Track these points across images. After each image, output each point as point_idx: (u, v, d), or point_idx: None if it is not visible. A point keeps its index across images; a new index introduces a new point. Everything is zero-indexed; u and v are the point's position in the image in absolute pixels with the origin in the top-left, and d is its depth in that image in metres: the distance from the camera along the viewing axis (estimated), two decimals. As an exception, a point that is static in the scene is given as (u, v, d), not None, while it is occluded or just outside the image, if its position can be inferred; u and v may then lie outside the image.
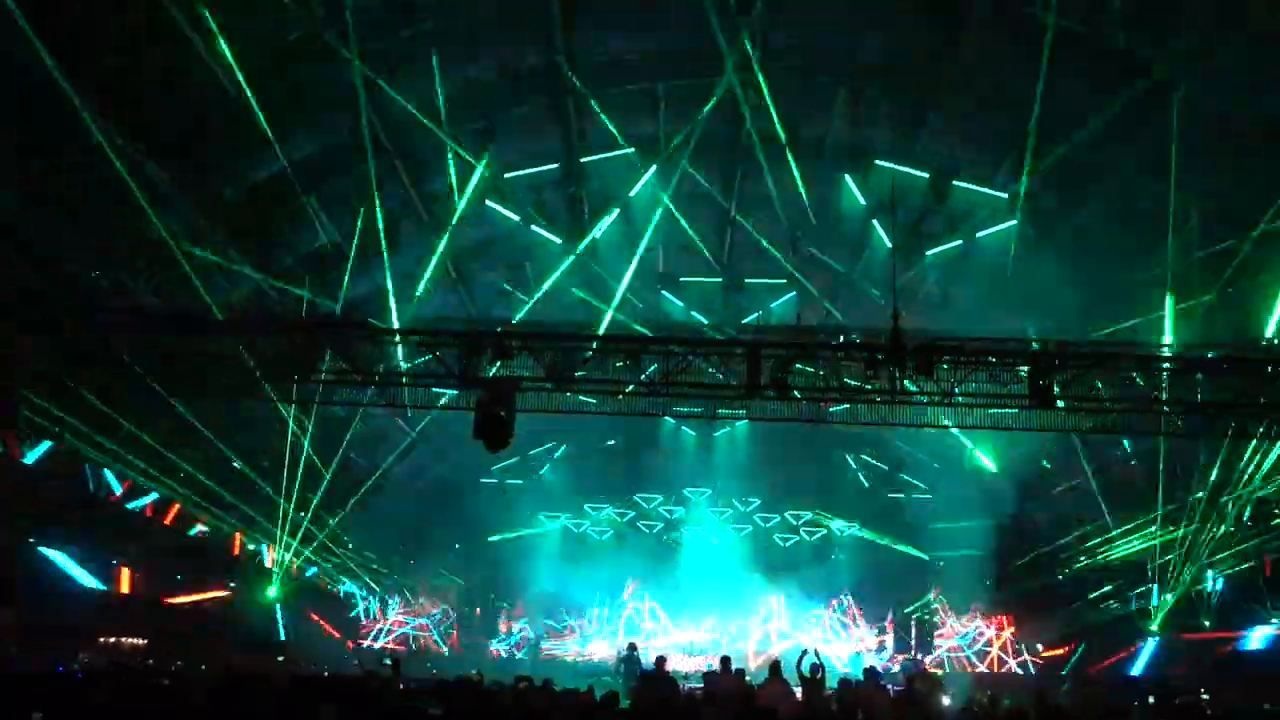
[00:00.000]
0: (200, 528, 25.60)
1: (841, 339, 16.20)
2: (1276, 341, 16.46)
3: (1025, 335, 18.68)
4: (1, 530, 19.64)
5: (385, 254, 20.41)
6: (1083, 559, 27.46)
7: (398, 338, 17.21)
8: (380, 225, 20.21)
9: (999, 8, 16.79)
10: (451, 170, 20.44)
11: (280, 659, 24.94)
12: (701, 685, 16.88)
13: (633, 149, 20.96)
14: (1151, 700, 20.75)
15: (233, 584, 27.23)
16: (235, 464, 22.95)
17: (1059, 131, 18.15)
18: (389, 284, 20.77)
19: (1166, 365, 15.37)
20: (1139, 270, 19.61)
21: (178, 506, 24.10)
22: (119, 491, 22.40)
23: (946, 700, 17.90)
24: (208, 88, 15.78)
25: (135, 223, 16.08)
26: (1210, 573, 23.78)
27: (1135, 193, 18.89)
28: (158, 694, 12.26)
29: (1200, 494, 21.54)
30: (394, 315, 20.67)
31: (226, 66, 15.49)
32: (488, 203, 21.43)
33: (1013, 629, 32.25)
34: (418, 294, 21.68)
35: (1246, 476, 20.31)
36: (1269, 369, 14.76)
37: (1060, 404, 15.01)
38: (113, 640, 23.88)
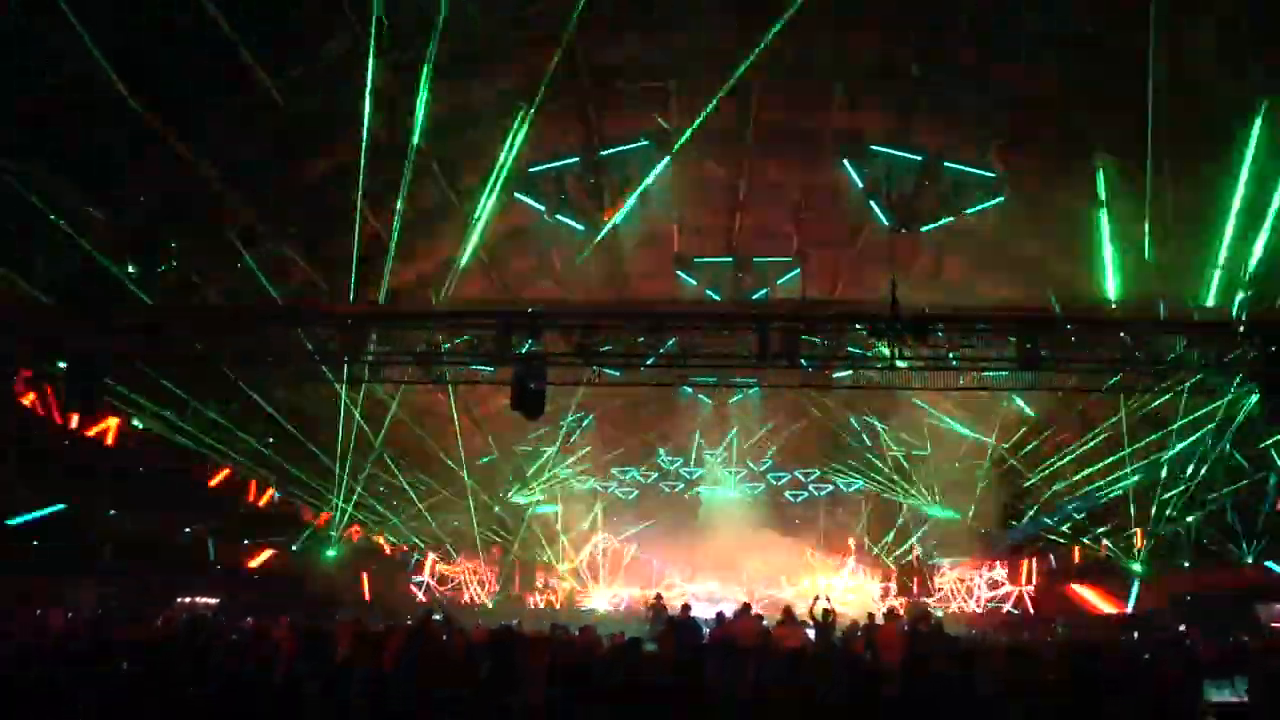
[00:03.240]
0: (266, 496, 26.04)
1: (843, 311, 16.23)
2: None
3: (1013, 303, 18.63)
4: (82, 501, 20.08)
5: (424, 244, 20.56)
6: (1070, 505, 27.47)
7: (438, 320, 17.34)
8: (418, 219, 20.34)
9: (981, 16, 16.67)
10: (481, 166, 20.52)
11: (337, 616, 25.37)
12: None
13: (647, 141, 21.00)
14: (1136, 635, 20.95)
15: (295, 546, 27.64)
16: (298, 438, 23.25)
17: (1041, 114, 18.08)
18: (429, 271, 20.94)
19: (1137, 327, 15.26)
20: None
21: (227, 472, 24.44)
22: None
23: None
24: (257, 97, 15.94)
25: (200, 223, 16.31)
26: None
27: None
28: (234, 647, 12.54)
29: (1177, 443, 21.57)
30: (433, 300, 20.81)
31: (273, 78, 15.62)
32: (515, 194, 21.51)
33: (1006, 572, 32.37)
34: (455, 280, 21.77)
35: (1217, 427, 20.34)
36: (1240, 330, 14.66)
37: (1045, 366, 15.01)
38: (188, 600, 24.37)
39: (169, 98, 14.66)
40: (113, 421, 20.29)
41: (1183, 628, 20.95)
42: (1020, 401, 25.07)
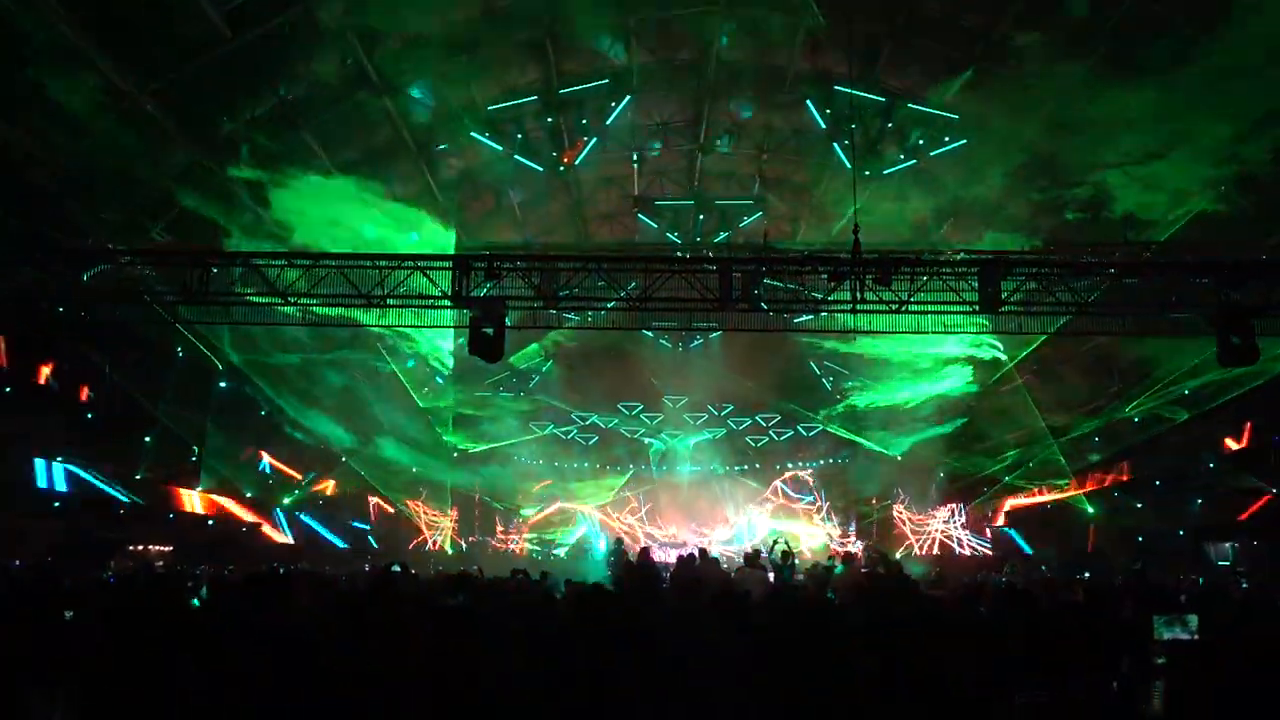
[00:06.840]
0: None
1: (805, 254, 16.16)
2: None
3: (977, 246, 18.72)
4: (33, 448, 19.68)
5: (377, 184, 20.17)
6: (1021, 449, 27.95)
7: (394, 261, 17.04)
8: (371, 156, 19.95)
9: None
10: (436, 104, 20.13)
11: (295, 566, 25.20)
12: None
13: (607, 80, 20.66)
14: (1088, 575, 21.44)
15: (249, 493, 27.34)
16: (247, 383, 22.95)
17: (1005, 52, 18.01)
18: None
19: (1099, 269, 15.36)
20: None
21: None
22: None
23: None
24: (203, 28, 15.42)
25: (142, 164, 15.88)
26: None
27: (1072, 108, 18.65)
28: (183, 592, 12.35)
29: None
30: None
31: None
32: (473, 134, 21.11)
33: (964, 515, 32.86)
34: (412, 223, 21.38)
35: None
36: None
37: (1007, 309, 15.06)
38: (140, 548, 24.08)
39: (110, 25, 14.24)
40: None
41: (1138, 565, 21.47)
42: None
